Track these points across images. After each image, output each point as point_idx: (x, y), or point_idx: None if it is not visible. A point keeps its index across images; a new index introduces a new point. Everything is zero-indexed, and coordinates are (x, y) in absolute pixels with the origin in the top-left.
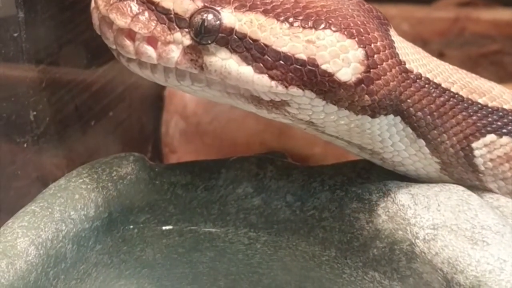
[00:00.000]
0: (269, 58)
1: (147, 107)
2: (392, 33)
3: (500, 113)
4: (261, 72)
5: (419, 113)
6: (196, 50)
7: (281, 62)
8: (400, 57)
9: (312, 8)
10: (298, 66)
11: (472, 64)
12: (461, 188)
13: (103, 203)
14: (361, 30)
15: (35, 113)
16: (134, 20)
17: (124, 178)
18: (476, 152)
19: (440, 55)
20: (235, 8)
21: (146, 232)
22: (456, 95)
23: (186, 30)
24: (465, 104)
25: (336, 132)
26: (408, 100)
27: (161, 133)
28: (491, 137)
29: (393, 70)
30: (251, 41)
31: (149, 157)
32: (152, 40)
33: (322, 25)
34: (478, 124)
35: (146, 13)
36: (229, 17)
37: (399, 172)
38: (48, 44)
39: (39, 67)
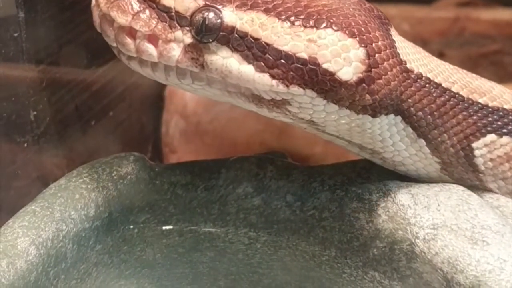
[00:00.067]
0: (270, 57)
1: (147, 107)
2: (393, 32)
3: (501, 113)
4: (262, 71)
5: (420, 113)
6: (197, 49)
7: (282, 61)
8: (401, 57)
9: (314, 7)
10: (299, 65)
11: (472, 64)
12: (461, 188)
13: (104, 203)
14: (362, 29)
15: (35, 113)
16: (135, 18)
17: (124, 178)
18: (476, 152)
19: (440, 55)
20: (236, 6)
21: (146, 232)
22: (457, 95)
23: (187, 28)
24: (466, 104)
25: (336, 132)
26: (409, 100)
27: (161, 133)
28: (491, 137)
29: (394, 70)
30: (252, 40)
31: (149, 157)
32: (153, 38)
33: (324, 24)
34: (479, 124)
35: (147, 11)
36: (230, 16)
37: (399, 172)
38: (48, 44)
39: (39, 67)
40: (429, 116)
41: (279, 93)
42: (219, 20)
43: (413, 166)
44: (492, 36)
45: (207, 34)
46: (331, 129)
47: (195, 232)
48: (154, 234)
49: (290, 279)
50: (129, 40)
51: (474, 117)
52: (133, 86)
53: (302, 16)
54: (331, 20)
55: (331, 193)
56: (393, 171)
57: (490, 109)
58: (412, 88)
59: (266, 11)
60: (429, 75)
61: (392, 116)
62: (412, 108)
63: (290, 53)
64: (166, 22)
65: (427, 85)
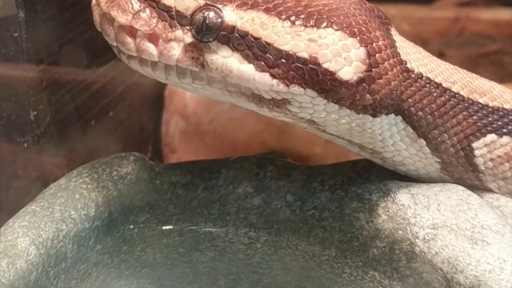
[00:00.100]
0: (271, 57)
1: (147, 107)
2: (393, 32)
3: (501, 113)
4: (263, 71)
5: (420, 113)
6: (197, 48)
7: (282, 60)
8: (401, 57)
9: (314, 6)
10: (299, 65)
11: (472, 64)
12: (461, 188)
13: (104, 203)
14: (363, 29)
15: (35, 112)
16: (135, 17)
17: (125, 178)
18: (477, 152)
19: (440, 55)
20: (237, 6)
21: (146, 232)
22: (457, 95)
23: (188, 27)
24: (466, 104)
25: (337, 131)
26: (409, 100)
27: (161, 133)
28: (491, 136)
29: (395, 70)
30: (252, 39)
31: (149, 157)
32: (153, 38)
33: (324, 24)
34: (479, 124)
35: (148, 10)
36: (231, 15)
37: (399, 172)
38: (49, 44)
39: (39, 67)
40: (429, 116)
41: (280, 93)
42: (220, 20)
43: (413, 166)
44: (492, 36)
45: (208, 33)
46: (332, 128)
47: (195, 232)
48: (154, 234)
49: (290, 279)
50: (129, 39)
51: (474, 117)
52: (133, 86)
53: (302, 16)
54: (332, 20)
55: (331, 193)
56: (393, 171)
57: (490, 109)
58: (413, 88)
59: (267, 11)
60: (429, 75)
61: (392, 116)
62: (412, 108)
63: (290, 52)
64: (166, 21)
65: (427, 85)
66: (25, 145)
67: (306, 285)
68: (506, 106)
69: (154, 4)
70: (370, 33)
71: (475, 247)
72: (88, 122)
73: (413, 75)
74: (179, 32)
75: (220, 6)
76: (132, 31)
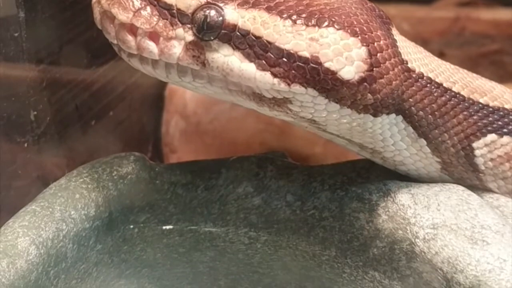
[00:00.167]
0: (272, 55)
1: (147, 107)
2: (394, 32)
3: (501, 113)
4: (264, 69)
5: (421, 113)
6: (198, 46)
7: (284, 59)
8: (402, 56)
9: (315, 6)
10: (301, 64)
11: (472, 64)
12: (461, 187)
13: (104, 203)
14: (364, 28)
15: (35, 112)
16: (136, 15)
17: (125, 177)
18: (477, 152)
19: (440, 55)
20: (238, 4)
21: (146, 232)
22: (457, 95)
23: (189, 26)
24: (466, 104)
25: (337, 131)
26: (410, 99)
27: (161, 132)
28: (491, 136)
29: (396, 69)
30: (254, 38)
31: (149, 156)
32: (154, 36)
33: (326, 23)
34: (479, 124)
35: (148, 8)
36: (232, 14)
37: (399, 172)
38: (49, 44)
39: (39, 67)
40: (430, 116)
41: (281, 92)
42: (221, 18)
43: (413, 166)
44: (492, 36)
45: (209, 32)
46: (332, 128)
47: (195, 231)
48: (154, 233)
49: (290, 278)
50: (130, 37)
51: (475, 117)
52: (133, 86)
53: (304, 15)
54: (333, 19)
55: (331, 193)
56: (393, 171)
57: (491, 109)
58: (414, 88)
59: (268, 9)
60: (430, 75)
61: (393, 115)
62: (413, 108)
63: (292, 51)
64: (167, 19)
65: (428, 85)
66: (25, 145)
67: (306, 285)
68: (506, 106)
69: (155, 2)
70: (372, 33)
71: (475, 247)
72: (88, 122)
73: (414, 75)
74: (180, 31)
75: (221, 5)
76: (133, 29)
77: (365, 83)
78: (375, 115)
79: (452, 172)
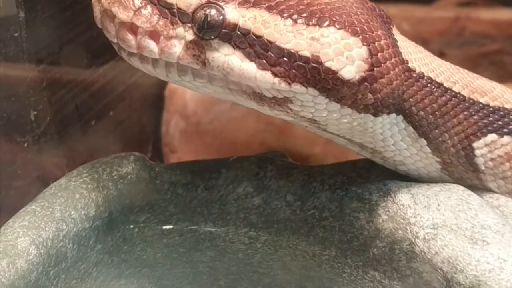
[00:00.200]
0: (273, 55)
1: (147, 107)
2: (395, 31)
3: (501, 113)
4: (264, 69)
5: (421, 112)
6: (199, 46)
7: (284, 59)
8: (403, 56)
9: (316, 5)
10: (301, 63)
11: (472, 64)
12: (461, 187)
13: (104, 203)
14: (365, 28)
15: (35, 112)
16: (137, 14)
17: (125, 177)
18: (477, 152)
19: (440, 55)
20: (238, 4)
21: (146, 232)
22: (458, 95)
23: (189, 25)
24: (467, 104)
25: (338, 130)
26: (411, 99)
27: (161, 132)
28: (492, 136)
29: (396, 69)
30: (254, 37)
31: (150, 156)
32: (154, 35)
33: (326, 23)
34: (479, 124)
35: (149, 7)
36: (233, 13)
37: (400, 172)
38: (49, 44)
39: (39, 67)
40: (430, 116)
41: (281, 91)
42: (221, 17)
43: (413, 166)
44: (492, 36)
45: (209, 31)
46: (333, 128)
47: (195, 231)
48: (155, 233)
49: (290, 278)
50: (130, 36)
51: (475, 117)
52: (133, 86)
53: (304, 14)
54: (334, 19)
55: (331, 192)
56: (393, 171)
57: (491, 109)
58: (414, 88)
59: (269, 9)
60: (430, 75)
61: (393, 115)
62: (413, 108)
63: (292, 51)
64: (167, 18)
65: (428, 85)
66: (25, 145)
67: (306, 284)
68: (506, 106)
69: (156, 1)
70: (372, 32)
71: (475, 247)
72: (88, 122)
73: (414, 75)
74: (180, 30)
75: (222, 4)
76: (133, 28)
77: (366, 83)
78: (375, 114)
79: (452, 172)
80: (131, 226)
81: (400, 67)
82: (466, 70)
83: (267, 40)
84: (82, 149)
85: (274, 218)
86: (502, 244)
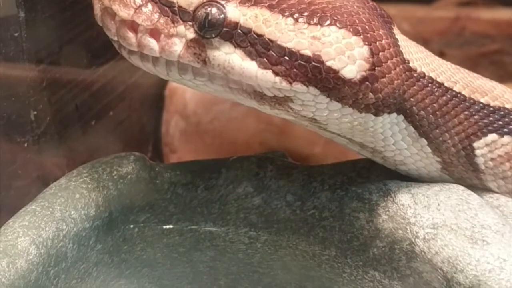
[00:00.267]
0: (274, 54)
1: (147, 107)
2: (396, 31)
3: (502, 113)
4: (265, 68)
5: (422, 112)
6: (200, 44)
7: (285, 58)
8: (404, 56)
9: (318, 4)
10: (303, 62)
11: (472, 64)
12: (461, 187)
13: (104, 203)
14: (367, 27)
15: (35, 112)
16: (137, 11)
17: (125, 177)
18: (477, 152)
19: (440, 55)
20: (240, 2)
21: (146, 232)
22: (458, 95)
23: (190, 23)
24: (467, 104)
25: (338, 130)
26: (411, 99)
27: (161, 132)
28: (492, 136)
29: (397, 69)
30: (255, 36)
31: (150, 156)
32: (155, 33)
33: (328, 22)
34: (480, 124)
35: (149, 5)
36: (234, 11)
37: (400, 171)
38: (49, 44)
39: (39, 67)
40: (431, 116)
41: (282, 90)
42: (222, 16)
43: (414, 166)
44: (492, 36)
45: (210, 29)
46: (333, 127)
47: (195, 231)
48: (155, 233)
49: (290, 278)
50: (130, 34)
51: (476, 117)
52: (133, 86)
53: (306, 13)
54: (335, 18)
55: (331, 192)
56: (393, 171)
57: (492, 109)
58: (415, 87)
59: (270, 8)
60: (431, 74)
61: (394, 115)
62: (414, 107)
63: (294, 50)
64: (168, 16)
65: (429, 84)
66: (25, 145)
67: (306, 284)
68: (507, 106)
69: None
70: (374, 32)
71: (475, 246)
72: (88, 122)
73: (415, 74)
74: (181, 28)
75: (223, 2)
76: (133, 26)
77: (367, 82)
78: (376, 114)
79: (452, 172)
80: (131, 226)
81: (401, 66)
82: (466, 70)
83: (268, 39)
84: (82, 149)
85: (274, 218)
86: (502, 244)
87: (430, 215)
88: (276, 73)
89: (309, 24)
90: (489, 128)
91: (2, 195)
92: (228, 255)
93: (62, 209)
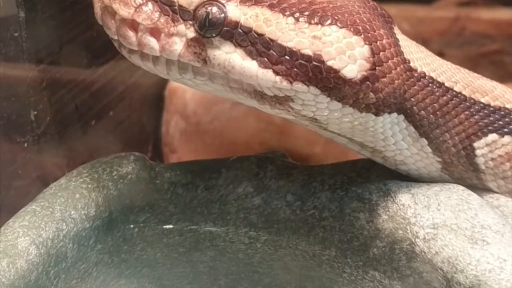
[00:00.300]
0: (274, 53)
1: (147, 107)
2: (396, 31)
3: (502, 112)
4: (266, 67)
5: (422, 112)
6: (200, 43)
7: (286, 57)
8: (405, 55)
9: (318, 3)
10: (303, 62)
11: (472, 64)
12: (461, 187)
13: (104, 203)
14: (367, 27)
15: (35, 112)
16: (138, 10)
17: (125, 177)
18: (478, 152)
19: (440, 55)
20: (240, 1)
21: (146, 232)
22: (459, 94)
23: (190, 22)
24: (468, 104)
25: (338, 129)
26: (412, 99)
27: (161, 132)
28: (492, 136)
29: (398, 68)
30: (256, 35)
31: (150, 156)
32: (155, 32)
33: (328, 21)
34: (480, 124)
35: (150, 4)
36: (234, 11)
37: (400, 171)
38: (49, 44)
39: (39, 67)
40: (431, 115)
41: (282, 90)
42: (223, 15)
43: (414, 165)
44: (492, 36)
45: (211, 28)
46: (334, 127)
47: (195, 231)
48: (155, 233)
49: (290, 278)
50: (131, 33)
51: (476, 117)
52: (133, 86)
53: (307, 13)
54: (336, 17)
55: (331, 192)
56: (393, 171)
57: (492, 109)
58: (416, 87)
59: (271, 7)
60: (432, 74)
61: (395, 114)
62: (415, 107)
63: (294, 49)
64: (169, 15)
65: (430, 84)
66: (25, 145)
67: (306, 284)
68: (507, 106)
69: None
70: (374, 31)
71: (475, 246)
72: (88, 122)
73: (416, 74)
74: (181, 27)
75: (223, 1)
76: (134, 25)
77: (368, 82)
78: (377, 114)
79: (452, 172)
80: (131, 226)
81: (401, 66)
82: (467, 70)
83: (269, 38)
84: (82, 149)
85: (274, 218)
86: (502, 244)
87: (430, 215)
88: (277, 73)
89: (310, 23)
90: (490, 128)
91: (2, 195)
92: (228, 255)
93: (62, 209)
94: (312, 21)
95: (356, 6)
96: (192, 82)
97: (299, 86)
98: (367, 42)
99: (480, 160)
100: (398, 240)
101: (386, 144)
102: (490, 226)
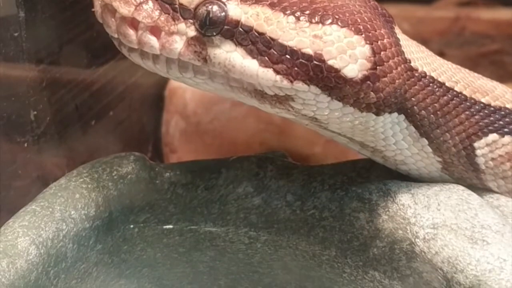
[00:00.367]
0: (275, 52)
1: (147, 107)
2: (397, 30)
3: (502, 112)
4: (266, 66)
5: (423, 112)
6: (200, 42)
7: (287, 56)
8: (405, 55)
9: (319, 3)
10: (304, 61)
11: (472, 64)
12: (461, 187)
13: (104, 203)
14: (368, 26)
15: (35, 112)
16: (138, 8)
17: (125, 177)
18: (478, 152)
19: (440, 55)
20: (241, 0)
21: (146, 232)
22: (459, 94)
23: (191, 21)
24: (468, 103)
25: (339, 129)
26: (413, 99)
27: (161, 132)
28: (493, 136)
29: (399, 68)
30: (257, 34)
31: (150, 156)
32: (155, 30)
33: (329, 20)
34: (481, 124)
35: (150, 2)
36: (235, 9)
37: (400, 171)
38: (49, 44)
39: (39, 67)
40: (432, 115)
41: (283, 89)
42: (224, 14)
43: (414, 165)
44: (492, 36)
45: (211, 27)
46: (334, 126)
47: (195, 231)
48: (155, 233)
49: (290, 278)
50: (131, 31)
51: (476, 117)
52: (133, 86)
53: (307, 12)
54: (337, 16)
55: (331, 192)
56: (393, 171)
57: (492, 109)
58: (416, 87)
59: (271, 6)
60: (432, 74)
61: (395, 114)
62: (415, 107)
63: (295, 48)
64: (169, 14)
65: (430, 84)
66: (25, 145)
67: (306, 284)
68: (508, 106)
69: None
70: (375, 31)
71: (475, 246)
72: (88, 122)
73: (416, 74)
74: (182, 26)
75: (224, 0)
76: (134, 23)
77: (369, 82)
78: (377, 114)
79: (452, 172)
80: (131, 226)
81: (402, 66)
82: (467, 70)
83: (270, 37)
84: (82, 149)
85: (274, 218)
86: (502, 244)
87: (430, 215)
88: (277, 72)
89: (311, 22)
90: (490, 128)
91: (2, 195)
92: (228, 255)
93: (62, 209)
94: (313, 20)
95: (357, 6)
96: (192, 81)
97: (299, 85)
98: (368, 42)
99: (480, 160)
100: (398, 240)
101: (387, 144)
102: (490, 226)
